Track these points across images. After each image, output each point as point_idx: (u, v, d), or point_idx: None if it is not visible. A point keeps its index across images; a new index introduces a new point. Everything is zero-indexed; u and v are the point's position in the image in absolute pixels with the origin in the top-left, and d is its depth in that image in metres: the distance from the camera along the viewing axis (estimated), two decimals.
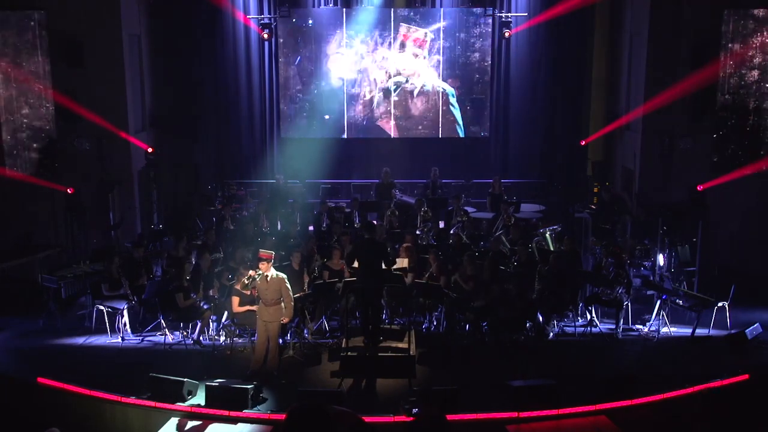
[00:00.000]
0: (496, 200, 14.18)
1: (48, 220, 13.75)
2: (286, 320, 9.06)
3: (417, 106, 16.88)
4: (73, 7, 13.46)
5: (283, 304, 8.89)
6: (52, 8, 13.54)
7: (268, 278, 8.76)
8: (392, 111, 16.91)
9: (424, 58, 16.61)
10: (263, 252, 8.96)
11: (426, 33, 16.54)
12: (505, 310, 9.84)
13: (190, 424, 7.48)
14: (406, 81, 16.69)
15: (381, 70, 16.74)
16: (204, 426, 7.45)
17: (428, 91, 16.76)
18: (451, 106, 16.82)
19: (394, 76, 16.68)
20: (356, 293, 9.75)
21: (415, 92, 16.77)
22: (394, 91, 16.75)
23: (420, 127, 17.00)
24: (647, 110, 13.85)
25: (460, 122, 16.92)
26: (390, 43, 16.57)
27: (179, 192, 16.11)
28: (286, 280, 8.93)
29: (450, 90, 16.74)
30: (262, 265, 8.77)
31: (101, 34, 13.67)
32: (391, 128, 17.00)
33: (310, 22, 16.59)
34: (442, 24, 16.52)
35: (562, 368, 9.01)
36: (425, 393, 7.72)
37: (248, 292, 9.23)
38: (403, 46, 16.58)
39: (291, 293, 8.97)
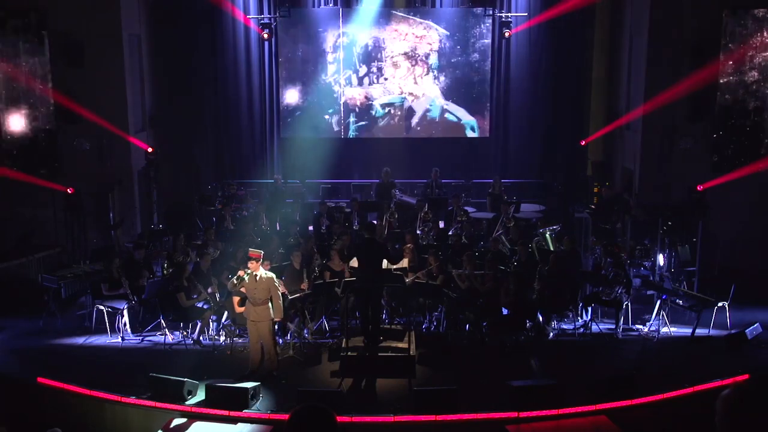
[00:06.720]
0: (496, 200, 14.17)
1: (48, 220, 13.74)
2: (278, 318, 8.98)
3: (416, 109, 16.92)
4: (73, 7, 13.47)
5: (270, 303, 8.79)
6: (52, 8, 13.53)
7: (257, 278, 8.69)
8: (393, 111, 16.91)
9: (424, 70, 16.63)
10: (252, 251, 8.90)
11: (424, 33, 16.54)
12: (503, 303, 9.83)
13: (190, 424, 7.48)
14: (402, 102, 16.75)
15: (381, 68, 16.75)
16: (204, 426, 7.45)
17: (429, 108, 16.79)
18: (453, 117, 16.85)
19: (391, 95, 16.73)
20: (356, 293, 9.75)
21: (414, 107, 16.80)
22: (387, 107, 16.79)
23: (419, 128, 17.01)
24: (647, 110, 13.84)
25: (467, 126, 16.95)
26: (390, 45, 16.59)
27: (179, 192, 16.11)
28: (275, 279, 8.88)
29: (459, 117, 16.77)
30: (252, 264, 8.71)
31: (101, 34, 13.68)
32: (391, 128, 16.99)
33: (310, 22, 16.58)
34: (441, 24, 16.54)
35: (562, 368, 9.01)
36: None
37: (243, 290, 9.14)
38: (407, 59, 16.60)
39: (279, 292, 8.94)
